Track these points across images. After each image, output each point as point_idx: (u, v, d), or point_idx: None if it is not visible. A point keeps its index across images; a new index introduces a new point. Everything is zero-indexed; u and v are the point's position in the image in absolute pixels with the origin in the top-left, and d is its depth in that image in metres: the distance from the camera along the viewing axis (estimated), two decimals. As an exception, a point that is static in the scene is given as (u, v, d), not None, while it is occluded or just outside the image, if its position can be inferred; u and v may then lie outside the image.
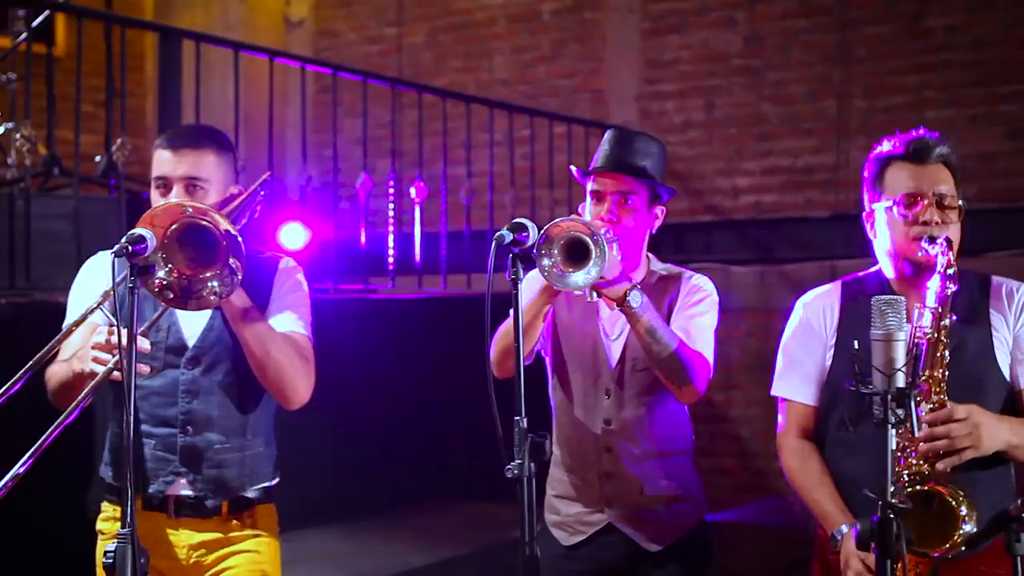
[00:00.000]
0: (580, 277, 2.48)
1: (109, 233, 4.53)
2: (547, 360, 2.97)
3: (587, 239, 2.47)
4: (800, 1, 6.54)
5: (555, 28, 7.41)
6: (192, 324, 2.66)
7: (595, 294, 2.72)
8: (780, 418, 2.77)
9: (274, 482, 2.77)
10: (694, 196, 6.82)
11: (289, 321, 2.67)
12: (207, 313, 2.63)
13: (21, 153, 4.59)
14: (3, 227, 4.41)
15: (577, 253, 2.48)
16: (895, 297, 2.24)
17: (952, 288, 2.47)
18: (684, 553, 2.89)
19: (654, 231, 2.91)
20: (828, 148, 6.42)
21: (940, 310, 2.46)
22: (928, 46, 6.14)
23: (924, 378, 2.44)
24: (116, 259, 2.12)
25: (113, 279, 2.17)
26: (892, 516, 2.11)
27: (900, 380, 2.18)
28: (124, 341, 2.10)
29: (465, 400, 5.06)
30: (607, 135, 2.91)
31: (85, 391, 2.41)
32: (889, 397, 2.15)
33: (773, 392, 2.78)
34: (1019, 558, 2.20)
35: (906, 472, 2.42)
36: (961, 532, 2.36)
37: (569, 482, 2.92)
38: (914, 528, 2.31)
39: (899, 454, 2.42)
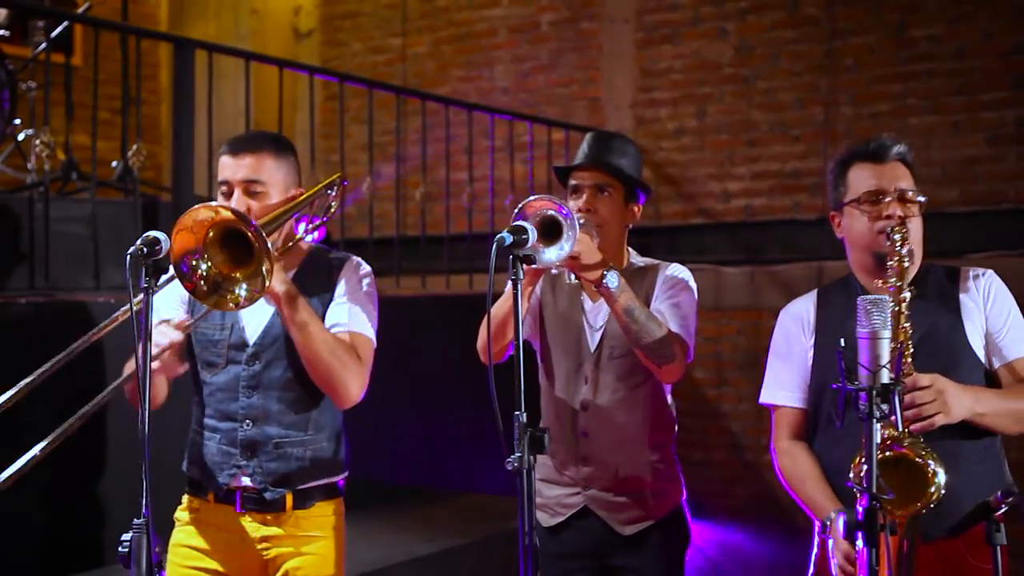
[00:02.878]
0: (553, 253, 2.48)
1: (125, 235, 4.53)
2: (536, 349, 2.99)
3: (558, 216, 2.47)
4: (789, 12, 6.53)
5: (553, 38, 7.40)
6: (253, 322, 2.65)
7: (573, 276, 2.74)
8: (772, 424, 2.79)
9: (340, 477, 2.73)
10: (687, 200, 6.82)
11: (348, 319, 2.66)
12: (268, 311, 2.63)
13: (41, 158, 4.59)
14: (23, 229, 4.42)
15: (550, 230, 2.49)
16: (880, 297, 2.25)
17: (907, 262, 2.50)
18: (658, 538, 2.89)
19: (631, 227, 2.96)
20: (815, 153, 6.41)
21: (900, 284, 2.48)
22: (912, 56, 6.14)
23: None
24: (131, 260, 2.12)
25: (128, 279, 2.16)
26: (877, 506, 2.12)
27: (884, 376, 2.18)
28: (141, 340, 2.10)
29: (467, 395, 5.07)
30: (586, 137, 2.99)
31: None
32: (874, 393, 2.16)
33: (761, 400, 2.81)
34: (998, 547, 2.20)
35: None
36: (936, 484, 2.35)
37: (550, 465, 2.94)
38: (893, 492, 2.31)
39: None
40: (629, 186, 2.89)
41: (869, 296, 2.24)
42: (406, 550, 4.44)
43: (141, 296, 2.13)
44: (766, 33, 6.59)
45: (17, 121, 5.30)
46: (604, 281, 2.65)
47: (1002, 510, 2.22)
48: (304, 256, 2.74)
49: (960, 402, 2.42)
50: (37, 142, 4.72)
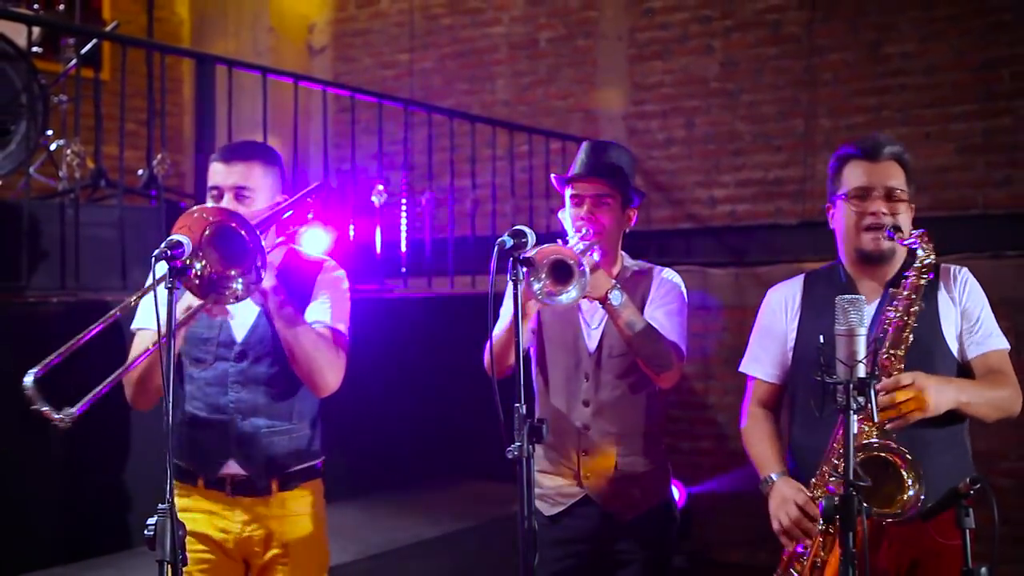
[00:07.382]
0: (565, 297, 2.48)
1: (150, 239, 4.53)
2: (531, 349, 2.98)
3: (569, 261, 2.47)
4: (771, 31, 6.53)
5: (551, 54, 7.40)
6: (241, 322, 2.67)
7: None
8: (747, 390, 2.84)
9: (319, 460, 2.78)
10: (676, 206, 6.82)
11: (326, 317, 2.69)
12: (255, 311, 2.66)
13: (71, 167, 4.60)
14: (55, 233, 4.42)
15: (562, 273, 2.49)
16: (857, 296, 2.25)
17: (926, 278, 2.48)
18: (652, 524, 2.91)
19: (627, 230, 2.94)
20: (796, 162, 6.41)
21: (913, 297, 2.47)
22: (886, 71, 6.14)
23: (887, 355, 2.46)
24: (155, 262, 2.12)
25: (154, 281, 2.16)
26: (854, 493, 2.12)
27: (861, 371, 2.19)
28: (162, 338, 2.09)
29: (470, 388, 5.06)
30: (583, 146, 2.94)
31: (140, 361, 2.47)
32: (851, 386, 2.16)
33: (740, 368, 2.85)
34: (967, 531, 2.20)
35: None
36: (908, 496, 2.35)
37: (550, 458, 2.94)
38: (866, 493, 2.32)
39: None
40: (626, 193, 2.88)
41: (846, 296, 2.24)
42: (412, 533, 4.44)
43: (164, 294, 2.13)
44: (750, 50, 6.59)
45: (49, 132, 5.30)
46: (608, 298, 2.66)
47: (970, 495, 2.22)
48: (283, 257, 2.76)
49: (944, 394, 2.43)
50: (68, 152, 4.72)
